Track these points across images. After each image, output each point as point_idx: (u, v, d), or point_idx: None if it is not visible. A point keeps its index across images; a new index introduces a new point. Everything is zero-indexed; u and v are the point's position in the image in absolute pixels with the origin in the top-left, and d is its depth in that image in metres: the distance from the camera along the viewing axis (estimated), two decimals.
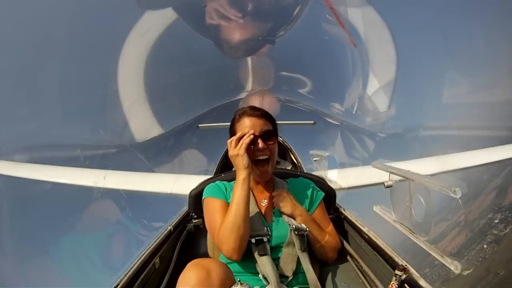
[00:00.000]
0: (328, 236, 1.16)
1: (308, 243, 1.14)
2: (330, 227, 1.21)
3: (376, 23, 4.79)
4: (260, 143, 1.11)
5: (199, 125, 5.67)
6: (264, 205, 1.19)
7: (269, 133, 1.14)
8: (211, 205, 1.16)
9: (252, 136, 1.09)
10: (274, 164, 1.18)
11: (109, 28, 4.45)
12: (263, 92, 5.99)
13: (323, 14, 4.79)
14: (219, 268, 0.82)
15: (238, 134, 1.09)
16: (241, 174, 1.06)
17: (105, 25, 4.40)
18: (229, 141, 1.12)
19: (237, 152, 1.06)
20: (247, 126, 1.13)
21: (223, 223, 1.04)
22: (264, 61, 5.65)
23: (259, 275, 1.05)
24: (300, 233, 1.09)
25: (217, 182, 1.26)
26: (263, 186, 1.23)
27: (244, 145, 1.06)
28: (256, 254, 1.05)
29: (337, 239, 1.21)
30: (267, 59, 5.59)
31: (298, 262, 1.08)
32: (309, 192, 1.24)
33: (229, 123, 1.21)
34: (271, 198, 1.19)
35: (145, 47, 4.73)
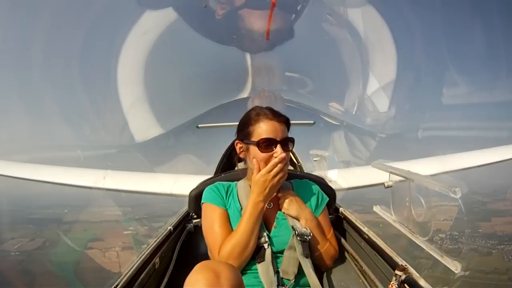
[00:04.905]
0: (328, 245, 1.14)
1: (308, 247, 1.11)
2: (330, 234, 1.18)
3: (376, 23, 4.79)
4: (280, 151, 1.04)
5: (199, 125, 5.65)
6: (270, 207, 1.15)
7: (289, 141, 1.09)
8: (210, 213, 1.13)
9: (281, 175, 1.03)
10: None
11: (109, 28, 4.45)
12: (272, 94, 5.92)
13: (323, 14, 4.79)
14: (229, 272, 0.76)
15: (274, 162, 1.02)
16: (261, 203, 1.04)
17: (105, 24, 4.40)
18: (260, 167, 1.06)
19: (271, 182, 1.02)
20: (268, 130, 1.06)
21: (230, 241, 1.01)
22: (265, 60, 5.63)
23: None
24: (303, 239, 1.06)
25: (217, 184, 1.21)
26: None
27: (279, 178, 1.02)
28: (255, 261, 1.04)
29: (337, 247, 1.18)
30: (268, 58, 5.58)
31: (300, 265, 1.06)
32: (314, 196, 1.21)
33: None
34: (276, 200, 1.15)
35: (145, 47, 4.73)
